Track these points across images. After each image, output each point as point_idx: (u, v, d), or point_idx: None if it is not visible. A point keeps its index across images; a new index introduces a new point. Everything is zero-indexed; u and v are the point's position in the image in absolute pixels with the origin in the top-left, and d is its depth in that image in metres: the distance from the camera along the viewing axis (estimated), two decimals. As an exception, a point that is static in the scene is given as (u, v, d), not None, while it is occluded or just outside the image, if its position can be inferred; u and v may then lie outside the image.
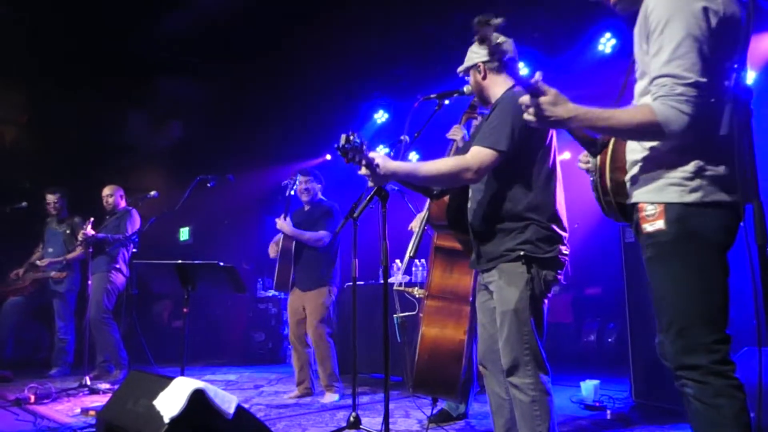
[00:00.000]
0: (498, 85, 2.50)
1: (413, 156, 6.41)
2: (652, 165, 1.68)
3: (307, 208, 4.90)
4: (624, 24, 5.09)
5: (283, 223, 4.66)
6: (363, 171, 2.27)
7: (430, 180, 2.40)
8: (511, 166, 2.33)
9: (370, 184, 2.40)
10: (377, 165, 2.23)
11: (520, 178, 2.36)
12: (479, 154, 2.28)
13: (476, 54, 2.52)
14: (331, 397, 4.57)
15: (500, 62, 2.46)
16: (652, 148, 1.68)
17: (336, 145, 2.18)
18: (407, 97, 7.26)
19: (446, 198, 2.62)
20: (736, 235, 1.63)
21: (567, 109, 1.62)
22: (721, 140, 1.60)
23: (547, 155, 2.41)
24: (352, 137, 2.16)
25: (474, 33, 1.64)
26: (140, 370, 2.63)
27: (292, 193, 4.76)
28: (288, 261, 4.68)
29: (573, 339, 6.52)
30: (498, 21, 1.64)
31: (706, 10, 1.59)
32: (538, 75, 1.62)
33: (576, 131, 1.78)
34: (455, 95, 2.81)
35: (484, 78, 2.52)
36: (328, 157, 8.72)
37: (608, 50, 5.87)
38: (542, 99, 1.61)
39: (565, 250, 2.38)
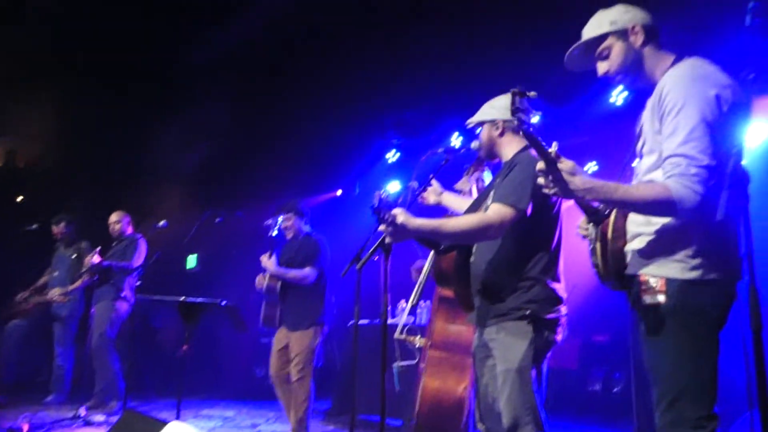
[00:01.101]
0: (512, 144, 2.52)
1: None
2: (656, 239, 1.72)
3: (294, 244, 4.69)
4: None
5: (268, 262, 4.47)
6: (385, 228, 2.20)
7: (453, 237, 2.37)
8: (527, 225, 2.32)
9: (388, 240, 2.31)
10: (402, 223, 2.18)
11: (533, 238, 2.36)
12: (501, 211, 2.28)
13: (495, 110, 2.53)
14: None
15: (520, 123, 2.48)
16: (656, 223, 1.72)
17: (371, 206, 2.16)
18: (420, 137, 7.34)
19: (453, 253, 2.60)
20: (728, 312, 1.68)
21: (584, 180, 1.68)
22: (717, 222, 1.66)
23: (558, 218, 2.42)
24: (384, 195, 2.17)
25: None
26: (134, 411, 2.61)
27: (275, 233, 4.59)
28: (274, 299, 4.53)
29: (577, 386, 6.38)
30: (533, 94, 1.81)
31: (718, 98, 1.67)
32: (555, 145, 1.67)
33: (583, 200, 1.81)
34: (461, 152, 2.84)
35: (501, 135, 2.53)
36: (339, 192, 8.77)
37: (620, 102, 5.79)
38: (562, 167, 1.67)
39: (564, 311, 2.37)
